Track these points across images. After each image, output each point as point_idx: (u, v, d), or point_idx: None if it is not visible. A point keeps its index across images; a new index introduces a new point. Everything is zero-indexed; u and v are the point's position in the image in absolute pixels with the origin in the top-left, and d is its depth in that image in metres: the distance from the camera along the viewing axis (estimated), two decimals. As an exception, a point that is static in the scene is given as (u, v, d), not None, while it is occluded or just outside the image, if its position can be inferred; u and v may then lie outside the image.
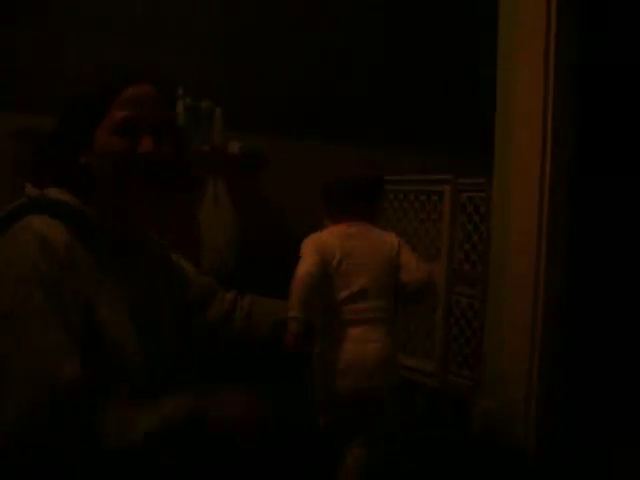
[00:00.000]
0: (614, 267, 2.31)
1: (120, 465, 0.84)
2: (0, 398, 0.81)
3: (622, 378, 2.21)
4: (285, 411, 1.21)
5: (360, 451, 1.30)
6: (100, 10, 2.48)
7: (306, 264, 1.27)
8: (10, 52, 2.33)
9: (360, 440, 1.30)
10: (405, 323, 2.44)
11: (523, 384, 2.03)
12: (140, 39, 2.51)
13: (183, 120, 2.33)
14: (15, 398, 0.81)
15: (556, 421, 2.05)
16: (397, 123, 3.08)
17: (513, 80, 2.09)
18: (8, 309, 0.86)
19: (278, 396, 1.17)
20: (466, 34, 3.15)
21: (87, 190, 1.04)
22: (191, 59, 2.61)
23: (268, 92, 2.76)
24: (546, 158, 2.01)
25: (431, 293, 1.46)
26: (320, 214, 1.45)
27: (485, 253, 2.20)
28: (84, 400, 0.85)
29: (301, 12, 2.86)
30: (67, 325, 0.89)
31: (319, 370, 1.32)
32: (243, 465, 0.96)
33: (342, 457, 1.30)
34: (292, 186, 2.49)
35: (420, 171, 2.59)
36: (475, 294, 2.23)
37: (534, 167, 2.02)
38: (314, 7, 2.89)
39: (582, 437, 2.04)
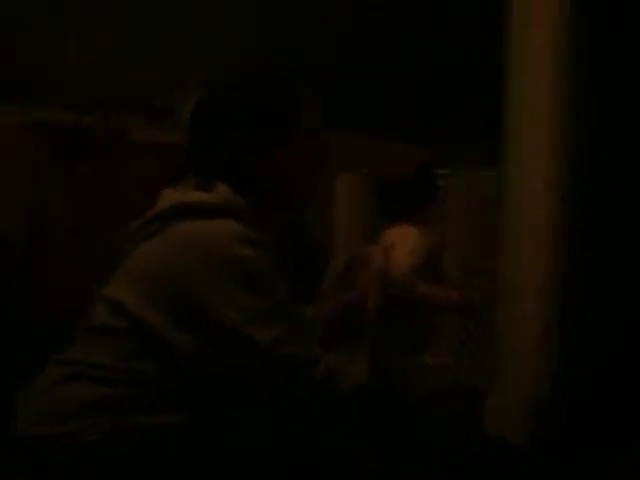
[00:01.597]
0: (631, 263, 2.25)
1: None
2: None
3: (636, 377, 2.17)
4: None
5: None
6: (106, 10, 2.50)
7: None
8: (24, 50, 2.36)
9: None
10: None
11: (534, 381, 2.01)
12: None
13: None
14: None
15: (567, 419, 2.02)
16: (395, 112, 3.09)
17: (523, 67, 2.06)
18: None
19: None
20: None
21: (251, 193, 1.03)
22: (198, 54, 2.60)
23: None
24: (559, 150, 2.00)
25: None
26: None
27: (497, 246, 2.16)
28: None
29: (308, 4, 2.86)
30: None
31: None
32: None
33: None
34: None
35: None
36: (487, 287, 2.20)
37: (547, 160, 2.01)
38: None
39: (592, 436, 2.00)
